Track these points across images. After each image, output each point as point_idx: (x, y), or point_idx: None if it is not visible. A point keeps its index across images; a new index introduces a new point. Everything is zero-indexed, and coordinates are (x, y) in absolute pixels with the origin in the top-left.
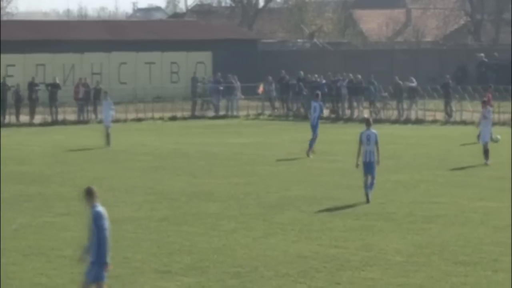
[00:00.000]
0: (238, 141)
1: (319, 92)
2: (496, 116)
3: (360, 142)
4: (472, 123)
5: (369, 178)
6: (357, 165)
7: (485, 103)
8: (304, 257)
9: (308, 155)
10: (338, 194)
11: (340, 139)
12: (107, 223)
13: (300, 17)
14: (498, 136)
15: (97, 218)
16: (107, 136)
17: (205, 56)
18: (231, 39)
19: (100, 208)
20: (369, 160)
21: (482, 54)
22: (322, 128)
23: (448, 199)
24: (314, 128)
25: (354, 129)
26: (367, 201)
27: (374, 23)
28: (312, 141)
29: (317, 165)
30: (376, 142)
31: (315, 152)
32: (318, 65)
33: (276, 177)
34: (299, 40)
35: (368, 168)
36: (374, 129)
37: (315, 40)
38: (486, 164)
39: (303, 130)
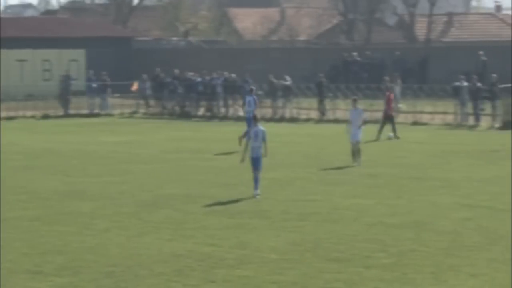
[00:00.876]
0: (112, 139)
1: (253, 87)
2: (368, 114)
3: (248, 138)
4: (345, 121)
5: (257, 173)
6: (242, 160)
7: (355, 101)
8: (178, 256)
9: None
10: (213, 192)
11: (215, 137)
12: None
13: (175, 15)
14: (391, 134)
15: None
16: None
17: (78, 54)
18: (105, 36)
19: None
20: (256, 155)
21: (355, 53)
22: (197, 126)
23: (322, 197)
24: (249, 121)
25: (230, 127)
26: (254, 196)
27: (248, 21)
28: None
29: (192, 163)
30: (264, 139)
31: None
32: (193, 63)
33: (150, 175)
34: (173, 38)
35: (255, 163)
36: (262, 127)
37: (190, 38)
38: (355, 165)
39: (178, 128)
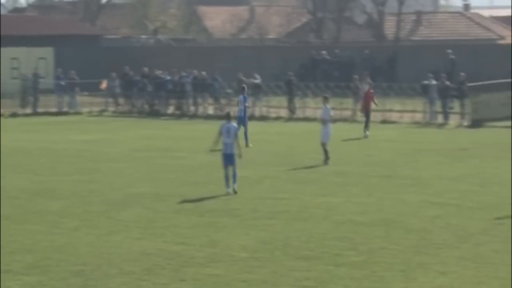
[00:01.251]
0: (81, 138)
1: (245, 86)
2: (338, 112)
3: (220, 133)
4: (315, 119)
5: (230, 170)
6: (210, 150)
7: (326, 99)
8: (148, 254)
9: (247, 145)
10: (183, 191)
11: (184, 136)
12: None
13: (144, 13)
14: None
15: None
16: None
17: (47, 52)
18: (74, 34)
19: None
20: (229, 152)
21: (324, 52)
22: (166, 124)
23: (291, 195)
24: (242, 119)
25: (199, 126)
26: (235, 192)
27: (218, 20)
28: (246, 132)
29: (162, 162)
30: (236, 136)
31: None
32: (162, 61)
33: (120, 174)
34: (143, 36)
35: (228, 159)
36: (234, 123)
37: (159, 36)
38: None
39: (147, 127)
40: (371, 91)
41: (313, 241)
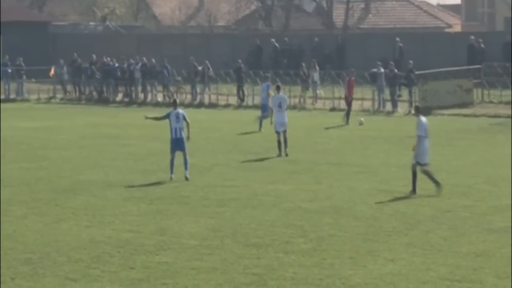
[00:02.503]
0: (29, 125)
1: (268, 75)
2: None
3: (169, 120)
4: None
5: (178, 156)
6: (146, 118)
7: (278, 88)
8: (97, 242)
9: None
10: (132, 178)
11: (133, 123)
12: None
13: None
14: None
15: None
16: None
17: None
18: (21, 21)
19: None
20: (179, 136)
21: (273, 39)
22: (115, 112)
23: (241, 183)
24: (265, 107)
25: (148, 113)
26: (186, 179)
27: (167, 7)
28: (261, 119)
29: (110, 149)
30: (185, 119)
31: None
32: (111, 48)
33: (68, 161)
34: (91, 23)
35: (178, 144)
36: (181, 110)
37: (107, 23)
38: (283, 155)
39: (96, 114)
40: (353, 78)
41: (262, 229)
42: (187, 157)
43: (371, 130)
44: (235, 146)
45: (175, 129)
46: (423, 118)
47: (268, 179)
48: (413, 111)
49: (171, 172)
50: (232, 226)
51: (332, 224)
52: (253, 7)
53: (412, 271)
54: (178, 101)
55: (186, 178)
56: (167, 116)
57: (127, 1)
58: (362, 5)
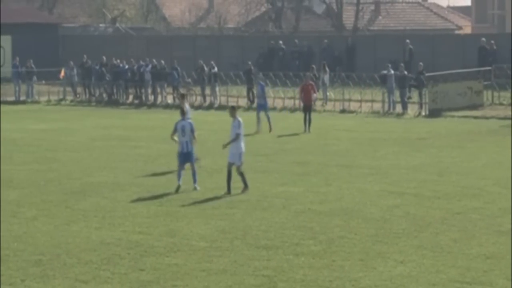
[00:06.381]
0: (39, 127)
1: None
2: (297, 102)
3: (175, 131)
4: (273, 109)
5: (185, 167)
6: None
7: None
8: (107, 244)
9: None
10: (142, 181)
11: (143, 125)
12: None
13: (102, 1)
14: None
15: None
16: None
17: (5, 40)
18: (31, 23)
19: None
20: (186, 151)
21: (281, 42)
22: (125, 113)
23: (251, 184)
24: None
25: (158, 115)
26: (195, 189)
27: (177, 8)
28: (269, 119)
29: (120, 151)
30: (192, 131)
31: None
32: (121, 50)
33: (78, 163)
34: (101, 25)
35: (187, 158)
36: (189, 119)
37: (117, 25)
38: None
39: (106, 116)
40: (311, 83)
41: (272, 231)
42: (196, 169)
43: (381, 132)
44: (245, 147)
45: (182, 143)
46: (239, 118)
47: (278, 181)
48: (423, 113)
49: (179, 180)
50: (242, 228)
51: (342, 226)
52: (263, 9)
53: (422, 273)
54: (186, 108)
55: (195, 189)
56: (175, 127)
57: (137, 3)
58: (372, 7)
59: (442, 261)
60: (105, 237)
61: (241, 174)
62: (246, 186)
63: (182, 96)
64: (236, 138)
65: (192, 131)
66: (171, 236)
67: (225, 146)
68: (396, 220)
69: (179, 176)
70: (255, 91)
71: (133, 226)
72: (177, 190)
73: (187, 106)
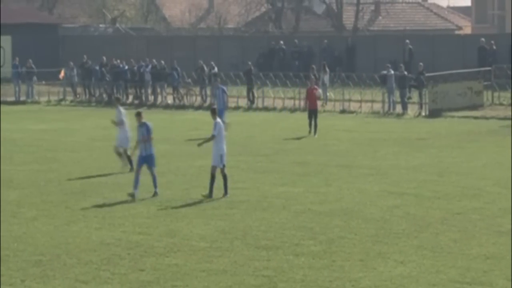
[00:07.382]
0: (39, 127)
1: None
2: (297, 102)
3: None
4: (273, 109)
5: (143, 172)
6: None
7: (118, 100)
8: (107, 244)
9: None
10: (142, 181)
11: None
12: None
13: (102, 1)
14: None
15: None
16: None
17: (5, 41)
18: (31, 23)
19: None
20: (145, 153)
21: (281, 42)
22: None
23: (250, 185)
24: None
25: (158, 115)
26: (156, 195)
27: (177, 9)
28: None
29: None
30: (149, 133)
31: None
32: (121, 50)
33: (78, 163)
34: (101, 25)
35: (146, 160)
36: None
37: (117, 25)
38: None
39: (106, 116)
40: (316, 87)
41: (272, 231)
42: (155, 173)
43: (381, 132)
44: (245, 148)
45: (141, 146)
46: (219, 120)
47: (278, 181)
48: (423, 113)
49: (135, 188)
50: (242, 228)
51: (342, 226)
52: (263, 9)
53: (422, 274)
54: (121, 111)
55: (156, 194)
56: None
57: (137, 3)
58: (372, 7)
59: (442, 261)
60: (105, 237)
61: (224, 177)
62: (226, 192)
63: (117, 100)
64: (210, 138)
65: (149, 132)
66: (171, 236)
67: (199, 145)
68: (396, 221)
69: (136, 182)
70: (255, 92)
71: (133, 226)
72: (133, 196)
73: (121, 109)
